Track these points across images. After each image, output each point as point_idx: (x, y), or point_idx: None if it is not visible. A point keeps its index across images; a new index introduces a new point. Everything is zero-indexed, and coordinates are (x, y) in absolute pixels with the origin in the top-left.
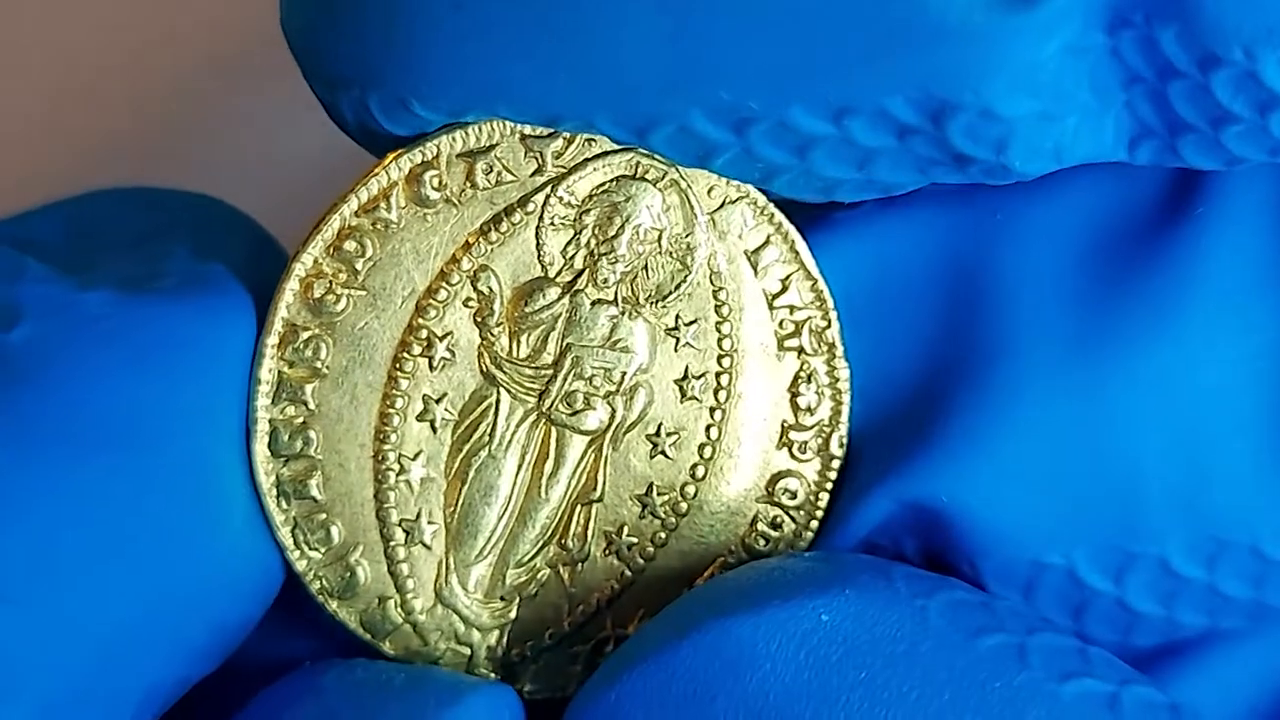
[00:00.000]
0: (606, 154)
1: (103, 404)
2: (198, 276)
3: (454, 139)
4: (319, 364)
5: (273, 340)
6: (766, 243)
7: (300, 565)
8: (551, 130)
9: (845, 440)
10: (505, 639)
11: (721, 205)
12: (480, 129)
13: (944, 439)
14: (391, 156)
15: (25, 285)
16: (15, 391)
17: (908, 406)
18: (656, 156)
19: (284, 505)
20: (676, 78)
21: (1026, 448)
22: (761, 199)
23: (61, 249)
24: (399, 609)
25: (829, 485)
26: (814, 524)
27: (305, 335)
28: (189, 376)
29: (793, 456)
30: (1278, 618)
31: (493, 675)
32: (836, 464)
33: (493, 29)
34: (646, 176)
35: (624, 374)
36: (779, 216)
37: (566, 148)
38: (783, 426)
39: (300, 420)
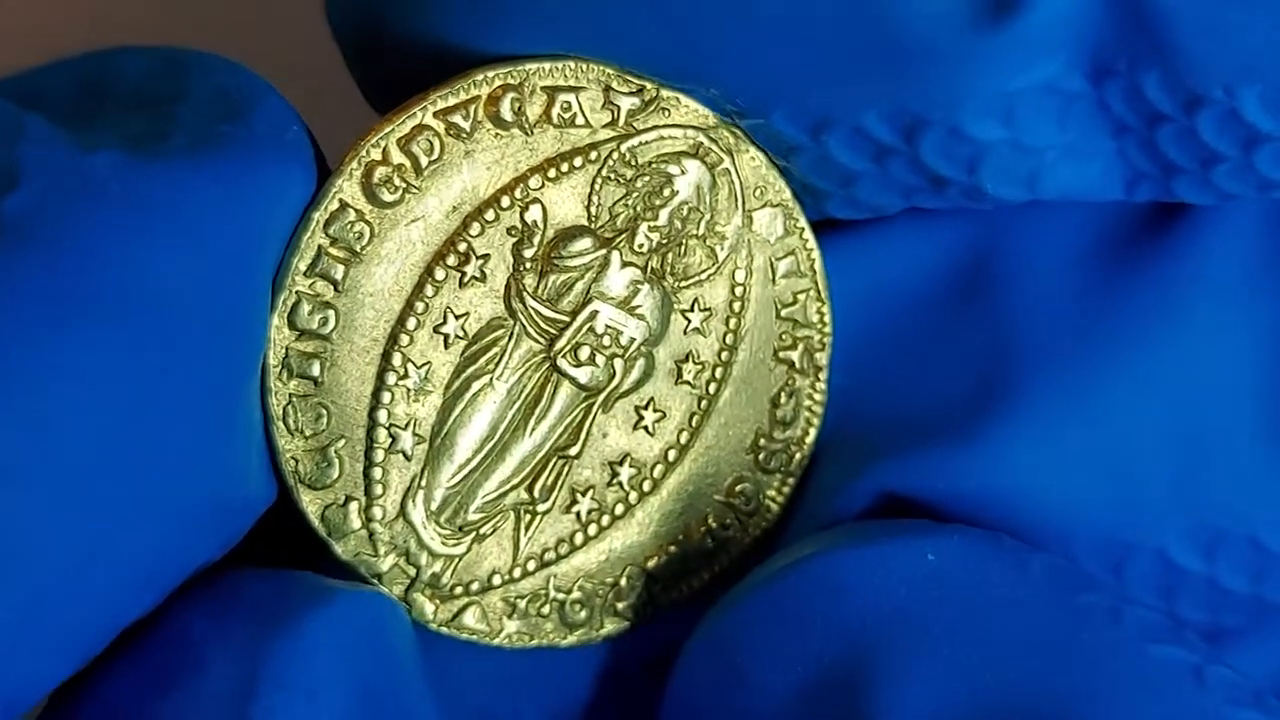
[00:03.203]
0: (676, 126)
1: (107, 272)
2: (211, 139)
3: (543, 70)
4: (358, 249)
5: (322, 214)
6: (790, 253)
7: (282, 442)
8: (637, 88)
9: (806, 462)
10: (451, 570)
11: (763, 206)
12: (570, 67)
13: (941, 434)
14: (480, 71)
15: (25, 146)
16: (14, 257)
17: (900, 403)
18: (720, 142)
19: (284, 379)
20: (667, 67)
21: (1026, 442)
22: (798, 210)
23: (70, 105)
24: (361, 513)
25: (780, 500)
26: (757, 533)
27: (353, 217)
28: (199, 244)
29: (757, 464)
30: (1277, 615)
31: (429, 603)
32: (792, 482)
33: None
34: (705, 159)
35: (632, 340)
36: (808, 233)
37: (642, 110)
38: (756, 433)
39: (325, 299)
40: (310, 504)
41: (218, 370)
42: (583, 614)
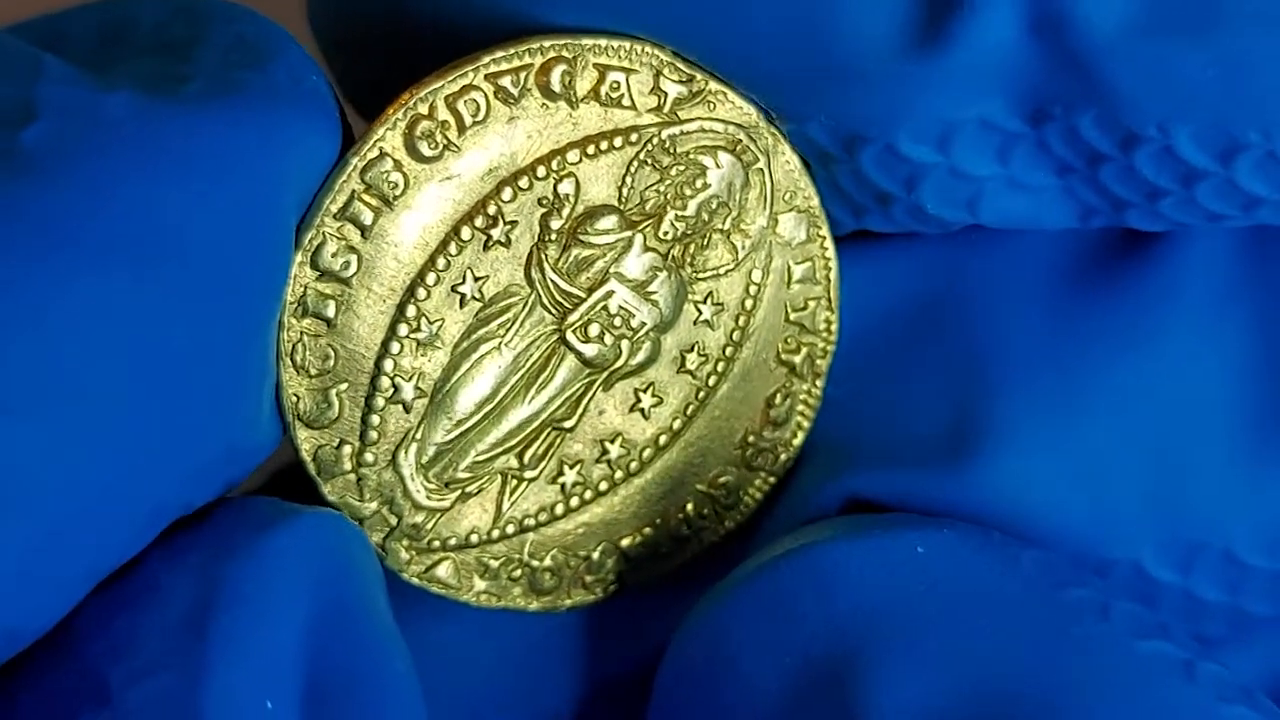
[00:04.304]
0: (718, 120)
1: (120, 210)
2: (229, 84)
3: (599, 47)
4: (391, 198)
5: (360, 160)
6: (809, 260)
7: (286, 377)
8: (686, 77)
9: (790, 463)
10: (432, 524)
11: (790, 210)
12: (625, 48)
13: (919, 451)
14: (538, 39)
15: (43, 84)
16: (27, 191)
17: (882, 417)
18: (759, 141)
19: (297, 316)
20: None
21: (1001, 459)
22: (823, 220)
23: (88, 50)
24: (352, 457)
25: (759, 497)
26: (731, 525)
27: (390, 166)
28: (214, 188)
29: (743, 460)
30: (1257, 625)
31: (405, 552)
32: (774, 481)
33: None
34: (741, 156)
35: (643, 323)
36: (829, 242)
37: (688, 99)
38: (746, 430)
39: (351, 243)
40: (305, 441)
41: (231, 313)
42: (551, 582)
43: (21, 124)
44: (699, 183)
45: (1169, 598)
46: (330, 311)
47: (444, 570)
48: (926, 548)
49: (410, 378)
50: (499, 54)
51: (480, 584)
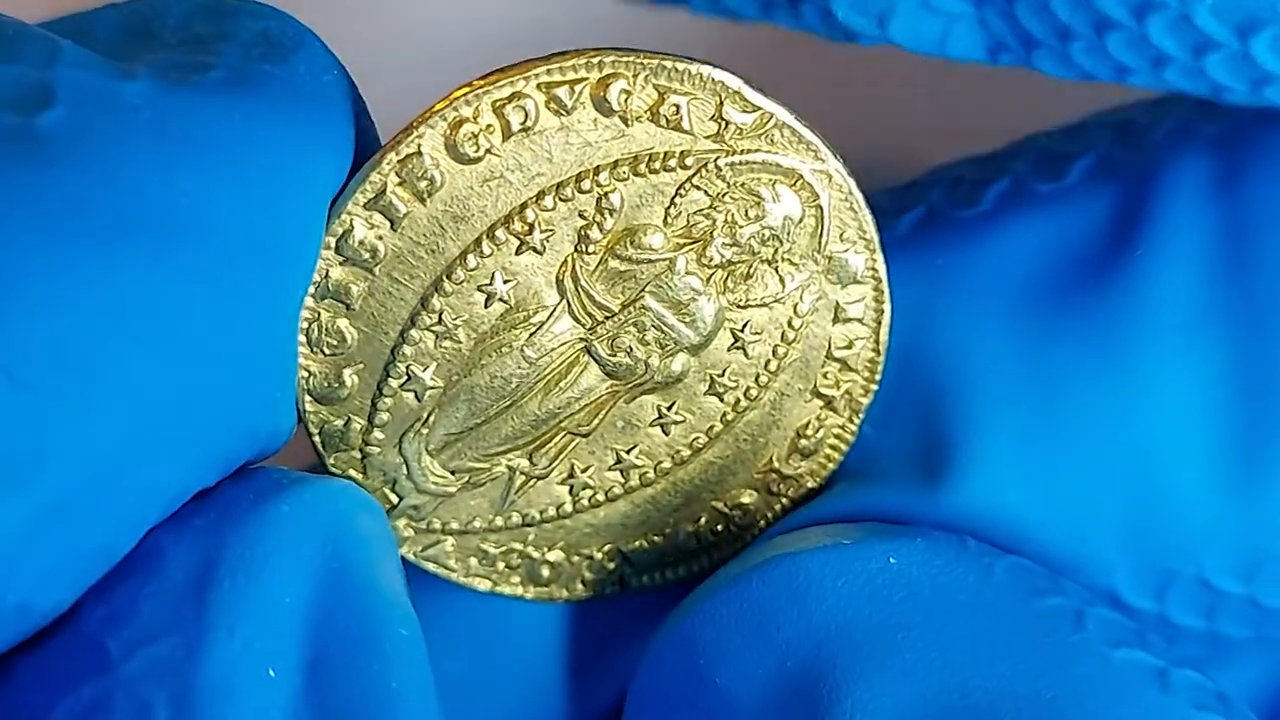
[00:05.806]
0: (780, 154)
1: (137, 196)
2: (251, 76)
3: (661, 65)
4: (425, 194)
5: (395, 155)
6: (860, 300)
7: (301, 352)
8: (753, 109)
9: (815, 493)
10: (434, 506)
11: (846, 250)
12: (690, 72)
13: (895, 479)
14: (596, 52)
15: (60, 68)
16: (43, 173)
17: (867, 443)
18: (820, 179)
19: (317, 298)
20: None
21: (974, 491)
22: (880, 261)
23: (113, 44)
24: (360, 435)
25: (774, 520)
26: (739, 546)
27: (427, 164)
28: (232, 177)
29: (765, 486)
30: (1235, 647)
31: (405, 530)
32: (792, 508)
33: None
34: (800, 192)
35: (675, 342)
36: (885, 285)
37: (752, 130)
38: (772, 455)
39: (380, 233)
40: (313, 414)
41: (250, 297)
42: (550, 574)
43: (40, 108)
44: (753, 213)
45: (1145, 623)
46: (352, 296)
47: (441, 551)
48: (899, 559)
49: (426, 367)
50: (554, 64)
51: (478, 568)
